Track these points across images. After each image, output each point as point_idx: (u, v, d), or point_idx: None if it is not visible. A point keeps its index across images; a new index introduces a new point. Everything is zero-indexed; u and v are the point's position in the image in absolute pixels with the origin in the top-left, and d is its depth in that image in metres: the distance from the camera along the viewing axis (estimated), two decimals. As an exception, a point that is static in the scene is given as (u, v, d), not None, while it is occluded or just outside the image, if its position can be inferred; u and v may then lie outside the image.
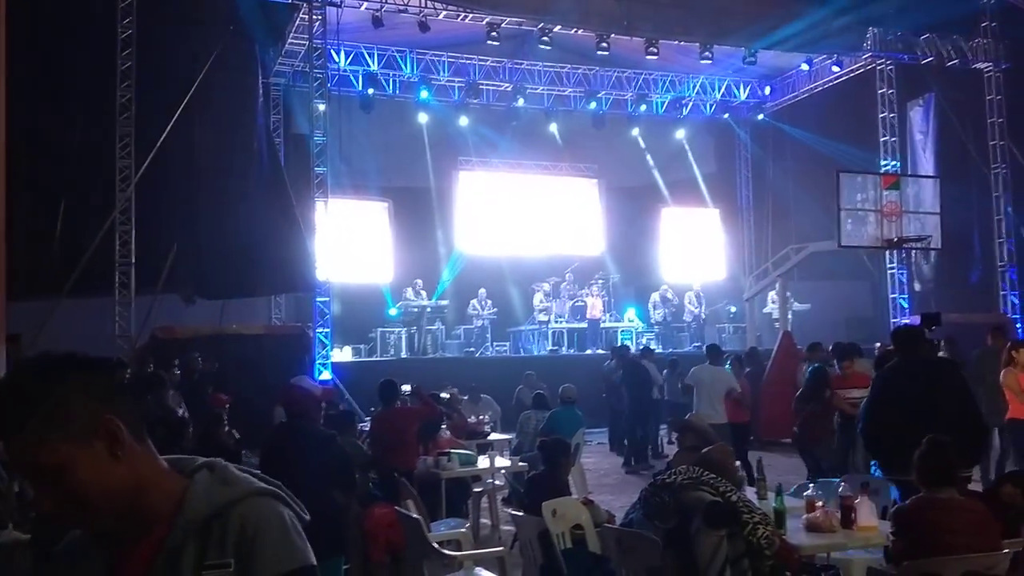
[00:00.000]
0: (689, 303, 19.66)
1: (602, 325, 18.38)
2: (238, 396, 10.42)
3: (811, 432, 8.76)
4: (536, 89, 19.63)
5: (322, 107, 15.50)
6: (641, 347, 15.12)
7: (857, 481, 5.61)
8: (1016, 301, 18.80)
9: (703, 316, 19.75)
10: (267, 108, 16.58)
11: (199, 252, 14.26)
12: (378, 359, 16.49)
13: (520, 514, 5.46)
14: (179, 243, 14.07)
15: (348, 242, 18.09)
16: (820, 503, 4.93)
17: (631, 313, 19.31)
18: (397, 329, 17.20)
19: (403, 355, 16.79)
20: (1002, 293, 18.91)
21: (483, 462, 8.04)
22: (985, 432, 5.81)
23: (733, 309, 20.76)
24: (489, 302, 17.95)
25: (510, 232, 20.34)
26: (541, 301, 18.16)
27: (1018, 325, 17.97)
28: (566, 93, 20.01)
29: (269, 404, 8.92)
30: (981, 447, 5.52)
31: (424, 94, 18.58)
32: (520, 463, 8.22)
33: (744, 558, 3.77)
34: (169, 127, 13.52)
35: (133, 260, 13.67)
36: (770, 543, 3.82)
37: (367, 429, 8.61)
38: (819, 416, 8.71)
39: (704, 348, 12.82)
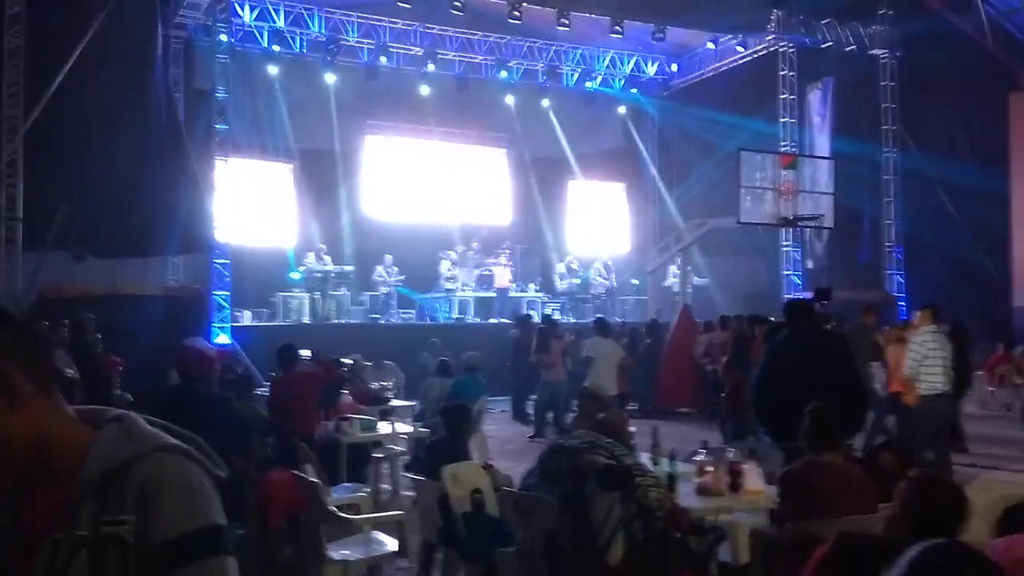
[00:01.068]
0: (598, 275, 19.93)
1: (509, 295, 18.48)
2: (131, 359, 10.10)
3: (739, 398, 9.05)
4: (447, 55, 19.45)
5: (224, 62, 15.01)
6: (543, 317, 15.25)
7: (746, 447, 5.84)
8: (902, 280, 19.74)
9: (614, 286, 20.06)
10: (166, 61, 15.93)
11: (91, 209, 13.65)
12: (280, 324, 16.19)
13: (420, 478, 5.49)
14: (70, 199, 13.46)
15: (250, 203, 17.65)
16: (710, 468, 5.11)
17: (539, 283, 19.44)
18: (300, 294, 16.91)
19: (305, 320, 16.54)
20: (888, 273, 19.82)
21: (384, 428, 8.03)
22: (867, 401, 6.11)
23: (636, 282, 21.16)
24: (395, 269, 17.81)
25: (418, 199, 20.19)
26: (448, 269, 18.13)
27: (902, 304, 18.87)
28: (477, 61, 19.89)
29: (163, 367, 8.68)
30: (863, 416, 5.81)
31: (332, 55, 18.17)
32: (422, 429, 8.23)
33: (636, 519, 3.88)
34: (61, 76, 12.87)
35: (20, 215, 13.03)
36: (661, 505, 3.94)
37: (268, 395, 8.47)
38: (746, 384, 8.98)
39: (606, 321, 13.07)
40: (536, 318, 15.33)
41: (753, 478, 4.97)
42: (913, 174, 19.24)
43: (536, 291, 19.24)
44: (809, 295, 9.72)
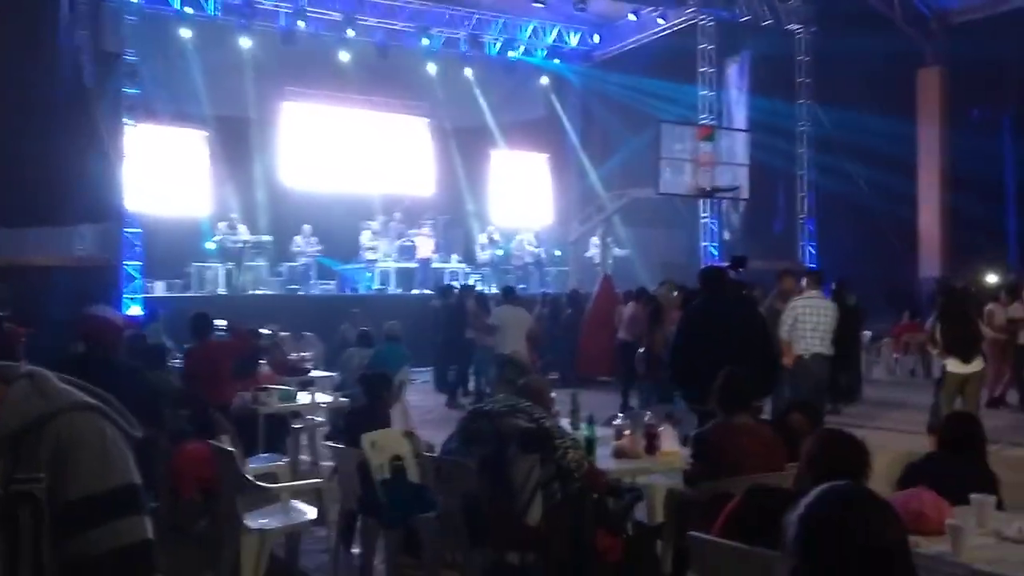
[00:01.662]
0: (529, 244, 19.97)
1: (432, 265, 18.39)
2: (37, 331, 9.73)
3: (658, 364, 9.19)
4: (367, 21, 19.10)
5: (134, 24, 14.44)
6: (463, 286, 15.18)
7: (663, 411, 5.95)
8: (813, 251, 20.33)
9: (543, 256, 20.12)
10: (72, 22, 15.24)
11: (-9, 176, 13.06)
12: (194, 295, 15.79)
13: (338, 446, 5.44)
14: (-32, 165, 12.82)
15: (163, 171, 17.11)
16: (628, 431, 5.20)
17: (462, 254, 19.38)
18: (215, 265, 16.52)
19: (221, 292, 16.17)
20: (801, 244, 20.39)
21: (304, 398, 7.93)
22: (778, 364, 6.29)
23: (558, 253, 21.30)
24: (315, 239, 17.53)
25: (337, 168, 19.86)
26: (369, 239, 17.92)
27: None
28: (398, 28, 19.59)
29: (70, 340, 8.38)
30: (774, 378, 5.98)
31: (247, 18, 17.66)
32: (342, 399, 8.16)
33: (555, 481, 3.93)
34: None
35: (-87, 182, 12.37)
36: (579, 466, 3.99)
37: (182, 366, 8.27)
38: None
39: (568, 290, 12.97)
40: (457, 289, 15.28)
41: (669, 440, 5.06)
42: (826, 147, 19.78)
43: (459, 262, 19.19)
44: (727, 266, 9.96)
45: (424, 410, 11.47)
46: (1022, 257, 18.16)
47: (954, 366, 7.81)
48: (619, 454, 5.00)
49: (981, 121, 19.81)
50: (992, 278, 16.93)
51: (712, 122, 18.99)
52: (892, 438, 8.37)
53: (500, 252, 19.85)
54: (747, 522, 2.85)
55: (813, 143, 20.14)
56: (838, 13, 18.41)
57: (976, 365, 7.72)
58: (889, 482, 4.15)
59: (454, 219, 20.35)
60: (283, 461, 6.52)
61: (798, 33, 19.93)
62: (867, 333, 14.55)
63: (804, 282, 8.99)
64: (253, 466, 5.88)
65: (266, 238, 17.34)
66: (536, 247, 20.01)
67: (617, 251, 19.90)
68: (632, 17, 20.00)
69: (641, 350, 10.39)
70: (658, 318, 9.66)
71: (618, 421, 5.48)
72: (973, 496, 3.36)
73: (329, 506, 5.72)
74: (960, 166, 19.06)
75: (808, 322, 8.21)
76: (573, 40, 21.52)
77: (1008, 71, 18.18)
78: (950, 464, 3.84)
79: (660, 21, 19.59)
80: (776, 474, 4.05)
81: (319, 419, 8.49)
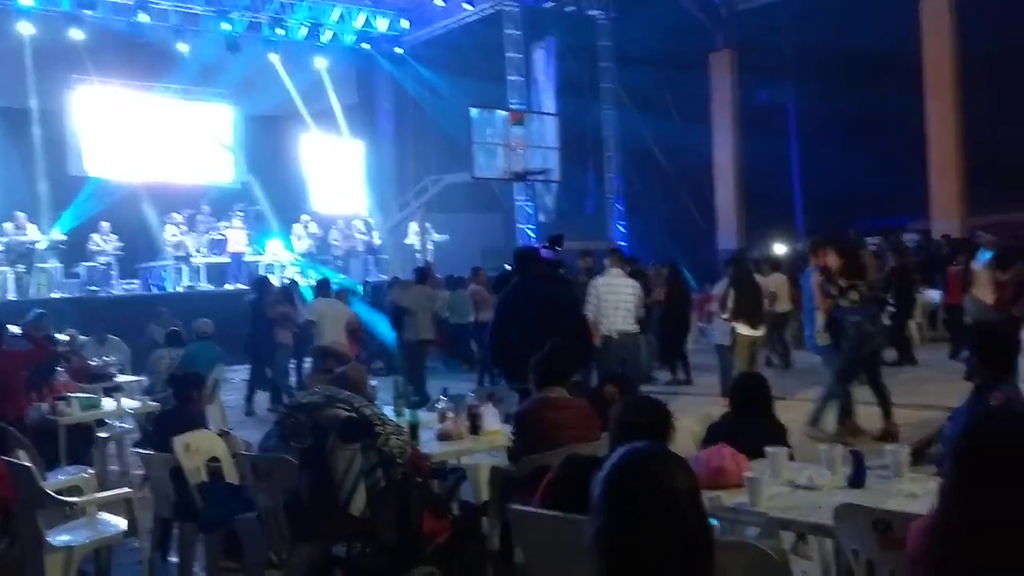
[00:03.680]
0: (358, 233, 19.58)
1: (245, 259, 17.72)
2: None
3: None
4: (160, 4, 18.10)
5: None
6: (288, 281, 14.73)
7: (485, 392, 6.05)
8: (623, 230, 21.20)
9: (376, 243, 19.79)
10: None
11: None
12: (-21, 303, 14.50)
13: (148, 452, 5.18)
14: None
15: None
16: (451, 414, 5.24)
17: (277, 245, 18.77)
18: (3, 269, 15.23)
19: (11, 297, 14.94)
20: (612, 222, 21.22)
21: (109, 405, 7.47)
22: (591, 340, 6.52)
23: (378, 241, 21.08)
24: (114, 236, 16.47)
25: (137, 160, 18.72)
26: (174, 235, 17.02)
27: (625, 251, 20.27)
28: (195, 11, 18.69)
29: None
30: (589, 353, 6.20)
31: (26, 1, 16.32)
32: (151, 403, 7.75)
33: (378, 468, 3.91)
34: None
35: None
36: (402, 452, 3.99)
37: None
38: None
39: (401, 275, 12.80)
40: (275, 281, 14.83)
41: (491, 420, 5.15)
42: (630, 130, 20.63)
43: (274, 254, 18.60)
44: (545, 246, 10.18)
45: (241, 409, 11.11)
46: (808, 228, 19.68)
47: (744, 329, 8.37)
48: (443, 437, 5.04)
49: (768, 103, 21.26)
50: (781, 249, 18.24)
51: (522, 107, 19.36)
52: (703, 402, 8.88)
53: (316, 242, 19.38)
54: (564, 491, 2.95)
55: (618, 126, 20.95)
56: (636, 0, 19.19)
57: (762, 329, 8.31)
58: (695, 440, 4.42)
59: (268, 209, 19.70)
60: (88, 472, 6.12)
61: (600, 19, 20.62)
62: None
63: (606, 262, 9.08)
64: (54, 480, 5.49)
65: (59, 237, 16.14)
66: (365, 234, 19.68)
67: (436, 236, 19.97)
68: (439, 2, 20.03)
69: None
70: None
71: (441, 404, 5.52)
72: (768, 449, 3.63)
73: (142, 515, 5.43)
74: (751, 145, 20.41)
75: (609, 301, 8.29)
76: (382, 25, 21.29)
77: (790, 55, 19.61)
78: (745, 422, 4.14)
79: (467, 7, 19.73)
80: (592, 444, 4.20)
81: (127, 426, 8.03)
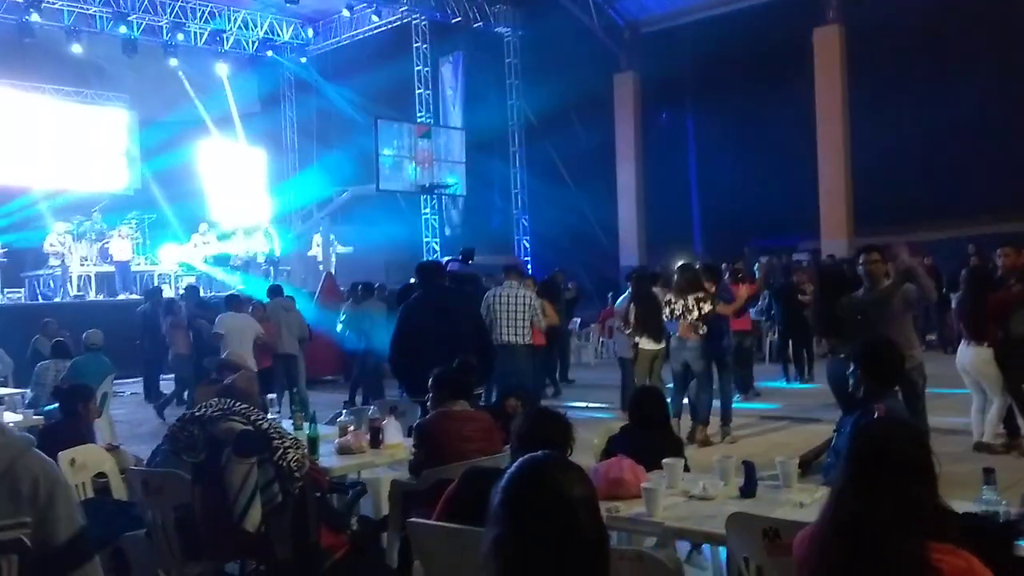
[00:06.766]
0: (259, 242, 19.07)
1: (133, 268, 17.07)
2: None
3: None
4: (54, 4, 17.40)
5: None
6: (184, 290, 14.25)
7: (386, 405, 5.99)
8: (528, 245, 21.36)
9: (277, 254, 19.31)
10: None
11: None
12: None
13: (31, 468, 4.92)
14: None
15: None
16: (352, 427, 5.17)
17: (172, 254, 18.13)
18: None
19: None
20: (517, 238, 21.36)
21: (-12, 419, 7.09)
22: (493, 352, 6.53)
23: (278, 253, 20.65)
24: (-3, 243, 15.68)
25: (21, 164, 17.89)
26: (60, 242, 16.21)
27: (529, 265, 20.44)
28: (91, 12, 18.03)
29: None
30: (490, 367, 6.20)
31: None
32: (35, 417, 7.39)
33: (274, 483, 3.82)
34: None
35: None
36: (300, 466, 3.90)
37: None
38: None
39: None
40: (170, 292, 14.38)
41: (392, 433, 5.09)
42: (536, 146, 20.84)
43: (169, 263, 18.00)
44: (456, 259, 10.08)
45: (134, 423, 10.72)
46: (706, 245, 20.22)
47: (646, 344, 8.52)
48: (343, 450, 4.96)
49: (669, 124, 21.80)
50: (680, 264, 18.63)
51: (429, 120, 19.35)
52: (602, 415, 9.00)
53: (215, 251, 18.82)
54: (464, 504, 2.95)
55: (524, 143, 21.14)
56: (543, 17, 19.45)
57: (662, 343, 8.46)
58: (595, 452, 4.48)
59: (164, 218, 19.08)
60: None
61: (507, 36, 20.81)
62: (577, 320, 15.54)
63: (503, 276, 9.05)
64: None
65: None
66: (266, 245, 19.20)
67: (340, 248, 19.69)
68: (346, 13, 19.87)
69: None
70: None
71: (342, 418, 5.44)
72: (665, 461, 3.71)
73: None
74: (652, 164, 20.89)
75: (500, 312, 8.23)
76: (286, 33, 20.97)
77: (690, 78, 20.16)
78: (643, 434, 4.22)
79: (374, 18, 19.63)
80: (494, 457, 4.21)
81: (8, 441, 7.63)
